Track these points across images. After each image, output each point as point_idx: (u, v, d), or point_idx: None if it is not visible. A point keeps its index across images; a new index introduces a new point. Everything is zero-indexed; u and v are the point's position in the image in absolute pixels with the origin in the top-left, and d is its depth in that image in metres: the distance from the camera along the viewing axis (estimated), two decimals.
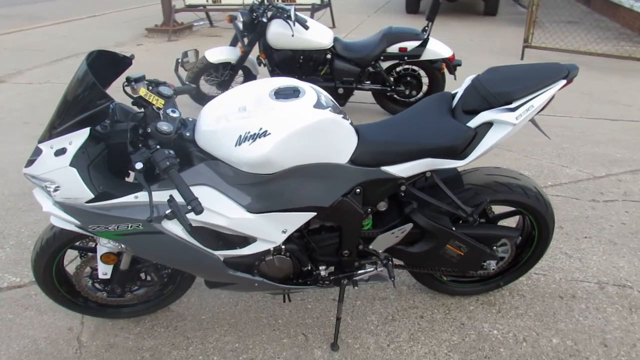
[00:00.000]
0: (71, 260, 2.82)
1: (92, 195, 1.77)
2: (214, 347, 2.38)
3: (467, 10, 12.58)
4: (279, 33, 4.82)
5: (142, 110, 1.82)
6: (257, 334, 2.45)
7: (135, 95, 1.81)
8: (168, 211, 1.63)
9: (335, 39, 4.99)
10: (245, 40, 5.02)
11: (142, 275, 2.37)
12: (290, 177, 1.91)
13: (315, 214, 2.01)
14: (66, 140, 1.77)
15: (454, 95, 2.25)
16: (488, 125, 2.03)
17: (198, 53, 2.48)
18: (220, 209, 1.87)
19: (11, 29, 10.02)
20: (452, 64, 4.91)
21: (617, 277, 2.82)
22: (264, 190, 1.91)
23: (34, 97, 5.87)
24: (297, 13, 4.79)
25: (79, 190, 1.76)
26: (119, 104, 1.97)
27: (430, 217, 2.22)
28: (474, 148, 2.03)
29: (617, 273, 2.85)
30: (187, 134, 1.92)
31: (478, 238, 2.33)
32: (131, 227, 1.85)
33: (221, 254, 2.01)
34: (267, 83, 2.00)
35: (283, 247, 2.12)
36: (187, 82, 2.19)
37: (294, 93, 1.92)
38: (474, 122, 2.04)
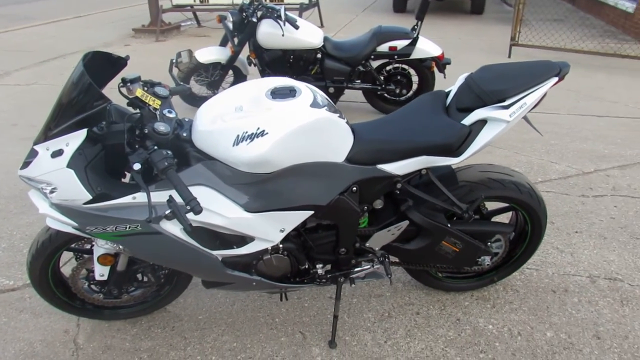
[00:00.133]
0: (65, 262, 2.81)
1: (90, 197, 1.77)
2: (212, 346, 2.39)
3: (454, 9, 12.66)
4: (269, 33, 4.82)
5: (138, 111, 1.82)
6: (254, 333, 2.46)
7: (131, 96, 1.81)
8: (168, 211, 1.63)
9: (326, 39, 5.01)
10: (235, 40, 5.02)
11: (139, 276, 2.36)
12: (288, 176, 1.93)
13: (312, 212, 2.03)
14: (63, 142, 1.76)
15: (447, 94, 2.28)
16: (482, 122, 2.05)
17: (192, 53, 2.48)
18: (219, 209, 1.87)
19: None
20: (441, 63, 4.95)
21: (608, 270, 2.86)
22: (261, 189, 1.92)
23: (22, 99, 5.82)
24: (287, 13, 4.79)
25: (76, 191, 1.75)
26: (114, 105, 1.96)
27: (425, 214, 2.25)
28: (469, 145, 2.06)
29: (607, 267, 2.89)
30: (184, 135, 1.93)
31: (473, 234, 2.35)
32: (129, 228, 1.85)
33: (219, 253, 2.02)
34: (263, 83, 2.00)
35: (281, 246, 2.13)
36: (181, 83, 2.19)
37: (290, 93, 1.93)
38: (468, 120, 2.07)
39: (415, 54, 4.88)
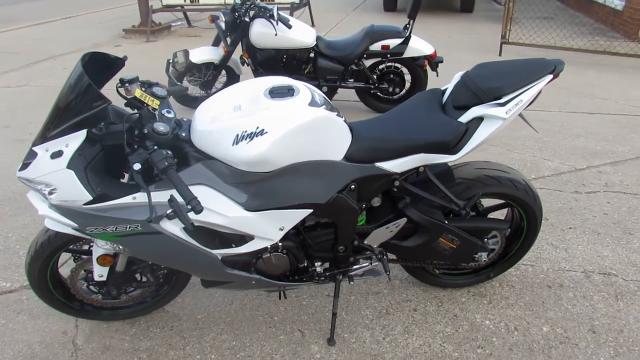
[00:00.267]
0: (61, 264, 2.80)
1: (90, 197, 1.77)
2: (211, 345, 2.39)
3: (443, 8, 12.72)
4: (262, 32, 4.82)
5: (137, 111, 1.82)
6: (253, 332, 2.47)
7: (129, 97, 1.81)
8: (169, 211, 1.64)
9: (318, 38, 5.02)
10: (228, 40, 5.02)
11: (138, 276, 2.36)
12: (287, 174, 1.93)
13: (311, 210, 2.04)
14: (62, 143, 1.76)
15: (443, 92, 2.29)
16: (479, 120, 2.07)
17: (188, 53, 2.48)
18: (219, 208, 1.88)
19: None
20: (434, 61, 4.98)
21: (602, 265, 2.89)
22: (261, 188, 1.93)
23: (13, 101, 5.78)
24: (280, 12, 4.80)
25: (76, 192, 1.75)
26: (112, 106, 1.96)
27: (423, 211, 2.26)
28: (466, 143, 2.08)
29: (601, 262, 2.92)
30: (183, 134, 1.93)
31: (470, 231, 2.37)
32: (130, 228, 1.85)
33: (219, 252, 2.03)
34: (261, 82, 2.01)
35: (280, 244, 2.14)
36: (178, 83, 2.19)
37: (288, 92, 1.94)
38: (465, 118, 2.09)
39: (408, 53, 4.91)
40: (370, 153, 2.06)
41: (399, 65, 5.13)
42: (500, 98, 2.06)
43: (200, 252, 1.98)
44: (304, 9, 9.82)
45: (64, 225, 1.90)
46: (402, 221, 2.25)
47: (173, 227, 1.89)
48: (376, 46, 4.89)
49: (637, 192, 3.69)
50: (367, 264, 2.39)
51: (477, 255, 2.50)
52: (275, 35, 4.80)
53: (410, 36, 4.86)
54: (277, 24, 4.75)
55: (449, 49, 8.07)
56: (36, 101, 5.74)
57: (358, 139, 2.07)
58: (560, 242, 3.11)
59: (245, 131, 1.81)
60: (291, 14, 8.60)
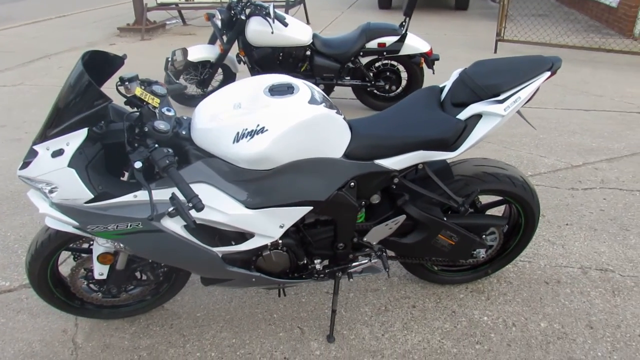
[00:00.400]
0: (61, 262, 2.79)
1: (91, 196, 1.77)
2: (211, 343, 2.40)
3: (438, 5, 12.74)
4: (258, 30, 4.82)
5: (137, 109, 1.82)
6: (253, 329, 2.47)
7: (129, 95, 1.81)
8: (171, 209, 1.64)
9: (315, 36, 5.02)
10: (224, 38, 5.01)
11: (138, 274, 2.37)
12: (287, 172, 1.94)
13: (311, 208, 2.04)
14: (63, 142, 1.76)
15: (442, 89, 2.30)
16: (477, 117, 2.09)
17: (187, 52, 2.49)
18: (219, 206, 1.89)
19: None
20: (430, 59, 4.98)
21: (599, 261, 2.91)
22: (261, 186, 1.94)
23: (9, 100, 5.76)
24: (276, 10, 4.80)
25: (78, 190, 1.76)
26: (112, 104, 1.96)
27: (422, 208, 2.28)
28: (465, 140, 2.09)
29: (598, 258, 2.95)
30: (183, 133, 1.93)
31: (468, 227, 2.39)
32: (131, 226, 1.85)
33: (219, 250, 2.03)
34: (261, 80, 2.02)
35: (280, 241, 2.15)
36: (177, 81, 2.19)
37: (288, 90, 1.95)
38: (463, 115, 2.10)
39: (404, 50, 4.91)
40: (370, 150, 2.07)
41: (395, 63, 5.14)
42: (498, 95, 2.08)
43: (200, 249, 1.99)
44: (299, 6, 9.82)
45: (64, 224, 1.91)
46: (401, 218, 2.26)
47: (174, 225, 1.90)
48: (372, 44, 4.89)
49: (633, 188, 3.72)
50: (366, 261, 2.40)
51: (475, 252, 2.51)
52: (272, 33, 4.80)
53: (406, 34, 4.87)
54: (274, 21, 4.75)
55: (444, 46, 8.09)
56: (32, 100, 5.73)
57: (357, 136, 2.07)
58: (557, 239, 3.13)
59: (246, 129, 1.82)
60: (286, 12, 8.63)
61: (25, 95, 5.93)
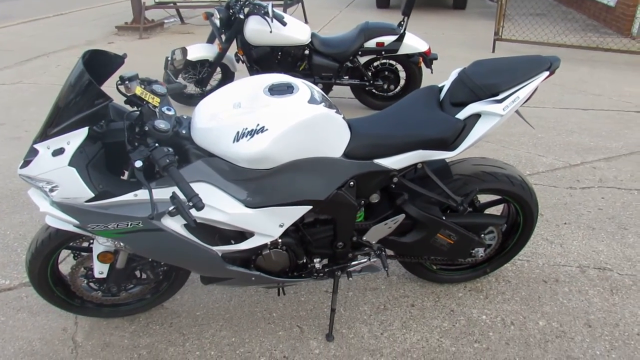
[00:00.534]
0: (61, 261, 2.80)
1: (92, 195, 1.77)
2: (211, 342, 2.40)
3: (436, 4, 12.74)
4: (257, 29, 4.82)
5: (137, 108, 1.83)
6: (252, 328, 2.48)
7: (129, 94, 1.82)
8: (171, 208, 1.64)
9: (313, 35, 5.02)
10: (223, 37, 5.01)
11: (138, 273, 2.37)
12: (287, 171, 1.95)
13: (311, 207, 2.05)
14: (64, 140, 1.76)
15: (441, 89, 2.31)
16: (476, 116, 2.09)
17: (186, 51, 2.49)
18: (219, 205, 1.89)
19: None
20: (428, 58, 4.99)
21: (597, 260, 2.93)
22: (261, 185, 1.94)
23: (7, 98, 5.76)
24: (275, 9, 4.80)
25: (78, 189, 1.76)
26: (112, 103, 1.97)
27: (421, 207, 2.28)
28: (464, 139, 2.10)
29: (596, 257, 2.96)
30: (183, 132, 1.94)
31: (467, 226, 2.40)
32: (131, 225, 1.86)
33: (219, 249, 2.04)
34: (260, 79, 2.02)
35: (280, 240, 2.16)
36: (177, 80, 2.20)
37: (287, 89, 1.95)
38: (462, 114, 2.11)
39: (403, 50, 4.92)
40: (369, 150, 2.07)
41: (393, 62, 5.15)
42: (497, 95, 2.08)
43: (200, 248, 1.99)
44: (297, 5, 9.82)
45: (65, 223, 1.91)
46: (401, 217, 2.27)
47: (174, 224, 1.90)
48: (371, 43, 4.90)
49: (631, 187, 3.73)
50: (365, 260, 2.41)
51: (474, 251, 2.52)
52: (270, 32, 4.80)
53: (404, 33, 4.87)
54: (272, 21, 4.75)
55: (442, 45, 8.10)
56: (31, 99, 5.72)
57: (357, 135, 2.08)
58: (555, 238, 3.14)
59: (246, 128, 1.83)
60: (285, 11, 8.63)
61: (23, 93, 5.92)
